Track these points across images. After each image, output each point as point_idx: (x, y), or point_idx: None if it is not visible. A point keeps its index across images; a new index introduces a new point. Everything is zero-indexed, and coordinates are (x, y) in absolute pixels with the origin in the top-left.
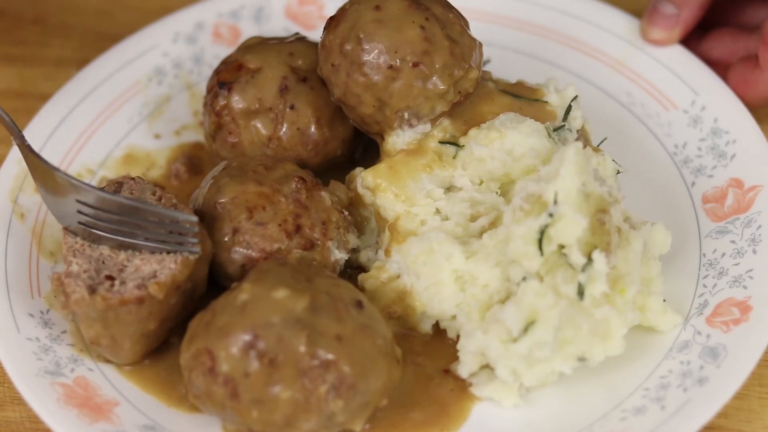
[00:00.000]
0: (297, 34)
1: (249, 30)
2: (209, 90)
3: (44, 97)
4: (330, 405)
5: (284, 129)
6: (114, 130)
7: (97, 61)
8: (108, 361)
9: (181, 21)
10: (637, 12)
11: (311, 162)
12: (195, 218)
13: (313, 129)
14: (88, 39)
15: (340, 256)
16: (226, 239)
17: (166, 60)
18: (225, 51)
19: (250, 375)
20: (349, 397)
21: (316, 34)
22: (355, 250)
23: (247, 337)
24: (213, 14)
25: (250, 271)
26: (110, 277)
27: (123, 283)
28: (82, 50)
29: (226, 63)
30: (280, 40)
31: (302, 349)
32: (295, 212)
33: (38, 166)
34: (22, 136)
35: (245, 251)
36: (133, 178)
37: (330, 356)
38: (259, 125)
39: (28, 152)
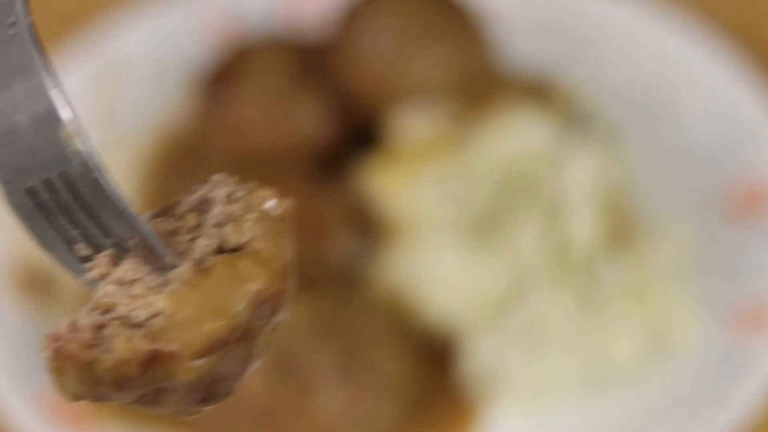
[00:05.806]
0: (295, 33)
1: (248, 30)
2: (207, 90)
3: None
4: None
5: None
6: None
7: None
8: None
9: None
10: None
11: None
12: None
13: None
14: None
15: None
16: None
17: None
18: (224, 51)
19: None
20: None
21: (316, 34)
22: (356, 250)
23: (274, 365)
24: (213, 14)
25: None
26: None
27: None
28: None
29: (222, 64)
30: (278, 39)
31: (332, 354)
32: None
33: None
34: None
35: None
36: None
37: (359, 349)
38: None
39: None
